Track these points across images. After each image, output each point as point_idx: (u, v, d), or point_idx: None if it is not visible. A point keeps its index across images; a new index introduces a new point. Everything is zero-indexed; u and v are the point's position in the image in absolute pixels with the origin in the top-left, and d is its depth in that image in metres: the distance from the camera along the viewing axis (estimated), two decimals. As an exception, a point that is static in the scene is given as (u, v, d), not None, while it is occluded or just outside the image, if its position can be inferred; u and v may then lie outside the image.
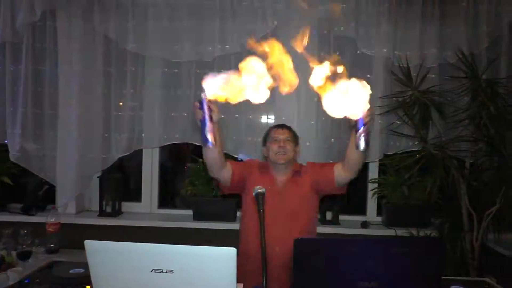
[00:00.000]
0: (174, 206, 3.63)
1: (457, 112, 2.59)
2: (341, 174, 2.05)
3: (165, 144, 3.04)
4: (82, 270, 1.70)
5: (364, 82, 1.56)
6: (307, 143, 2.86)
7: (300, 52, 1.60)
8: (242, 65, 1.57)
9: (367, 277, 1.27)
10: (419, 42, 2.80)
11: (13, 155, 2.90)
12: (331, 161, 2.93)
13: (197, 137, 2.97)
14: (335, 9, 2.76)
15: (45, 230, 2.55)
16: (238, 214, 2.98)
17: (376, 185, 3.01)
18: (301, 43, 1.61)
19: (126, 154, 3.01)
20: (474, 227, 2.55)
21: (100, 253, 1.12)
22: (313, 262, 1.26)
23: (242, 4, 2.83)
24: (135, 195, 3.22)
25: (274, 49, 1.60)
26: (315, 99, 2.86)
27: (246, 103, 2.92)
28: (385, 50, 2.81)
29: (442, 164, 2.51)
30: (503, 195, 2.41)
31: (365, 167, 3.09)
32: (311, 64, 1.58)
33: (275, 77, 1.58)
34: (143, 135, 2.97)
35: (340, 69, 1.57)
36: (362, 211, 3.13)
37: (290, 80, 1.60)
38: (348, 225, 2.93)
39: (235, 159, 3.01)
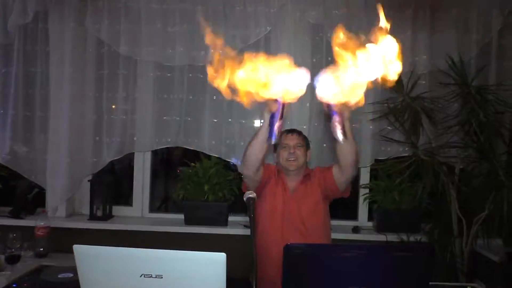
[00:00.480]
0: (166, 210, 3.62)
1: (447, 119, 2.62)
2: (339, 175, 2.03)
3: (157, 148, 3.03)
4: (71, 275, 1.69)
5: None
6: (299, 148, 2.87)
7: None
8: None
9: (357, 282, 1.27)
10: (410, 48, 2.82)
11: (3, 157, 2.88)
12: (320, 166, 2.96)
13: (189, 140, 2.98)
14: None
15: (34, 234, 2.52)
16: (230, 218, 2.98)
17: (367, 190, 3.03)
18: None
19: (117, 158, 2.99)
20: (463, 233, 2.57)
21: (89, 257, 1.12)
22: (303, 268, 1.26)
23: (235, 9, 2.84)
24: (126, 199, 3.21)
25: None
26: (307, 104, 2.88)
27: (239, 107, 2.97)
28: (376, 56, 2.82)
29: (432, 169, 2.53)
30: (492, 201, 2.43)
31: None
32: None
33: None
34: (135, 138, 2.96)
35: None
36: (353, 216, 3.14)
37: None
38: (340, 230, 2.93)
39: (228, 163, 3.01)
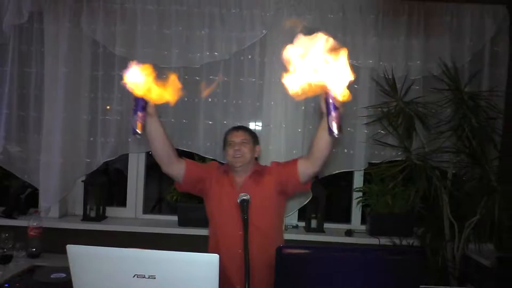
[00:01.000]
0: (160, 212, 3.62)
1: (440, 124, 2.65)
2: (306, 167, 2.01)
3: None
4: (63, 275, 1.69)
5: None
6: (294, 151, 2.88)
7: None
8: None
9: (348, 285, 1.28)
10: (404, 54, 2.85)
11: (-4, 157, 2.86)
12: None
13: (184, 142, 2.98)
14: None
15: (27, 234, 2.52)
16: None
17: (360, 193, 3.04)
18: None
19: (111, 159, 2.99)
20: (455, 237, 2.59)
21: (82, 257, 1.12)
22: (295, 270, 1.27)
23: (231, 12, 2.85)
24: (121, 200, 3.20)
25: None
26: (302, 107, 2.90)
27: (234, 109, 2.98)
28: (370, 61, 2.86)
29: (425, 174, 2.55)
30: (484, 205, 2.46)
31: (350, 176, 3.14)
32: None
33: None
34: (129, 139, 2.96)
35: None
36: (346, 219, 3.15)
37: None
38: (333, 233, 2.95)
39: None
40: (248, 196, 1.59)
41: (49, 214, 2.94)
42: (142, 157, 3.13)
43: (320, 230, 2.94)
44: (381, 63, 2.85)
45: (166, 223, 2.99)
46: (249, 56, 2.92)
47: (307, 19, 2.85)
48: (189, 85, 2.94)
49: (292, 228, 2.98)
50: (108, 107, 2.96)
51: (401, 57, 2.86)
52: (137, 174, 3.13)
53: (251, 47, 2.90)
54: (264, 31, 2.86)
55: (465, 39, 2.85)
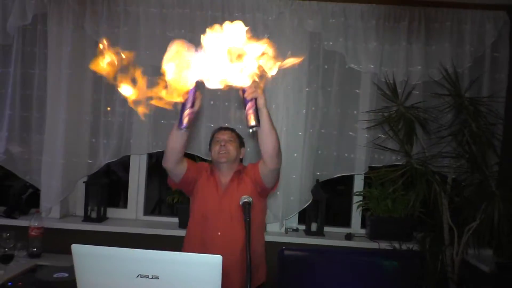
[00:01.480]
0: (160, 213, 3.63)
1: (441, 129, 2.66)
2: (263, 168, 2.06)
3: (153, 151, 3.04)
4: (65, 274, 1.70)
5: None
6: (295, 155, 2.90)
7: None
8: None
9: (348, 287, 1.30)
10: (405, 59, 2.87)
11: (-1, 157, 2.88)
12: (315, 172, 2.99)
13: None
14: None
15: (28, 234, 2.53)
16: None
17: (361, 197, 3.05)
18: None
19: (113, 160, 3.00)
20: (454, 242, 2.60)
21: (87, 257, 1.13)
22: (296, 272, 1.28)
23: (233, 16, 2.87)
24: (123, 201, 3.21)
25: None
26: (304, 110, 2.92)
27: (236, 112, 2.99)
28: (372, 66, 2.87)
29: (425, 179, 2.55)
30: (483, 211, 2.46)
31: (350, 180, 3.15)
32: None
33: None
34: (131, 141, 2.98)
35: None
36: (347, 223, 3.16)
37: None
38: (333, 237, 2.94)
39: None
40: (250, 199, 1.61)
41: (50, 214, 2.95)
42: (144, 158, 3.14)
43: (320, 233, 2.95)
44: (382, 68, 2.87)
45: (166, 225, 3.01)
46: (251, 59, 2.93)
47: (309, 23, 2.87)
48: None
49: (292, 232, 2.98)
50: (108, 108, 2.98)
51: (402, 62, 2.88)
52: (138, 176, 3.14)
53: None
54: (266, 35, 2.88)
55: (465, 45, 2.87)
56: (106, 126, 2.97)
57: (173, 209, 3.06)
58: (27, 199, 3.03)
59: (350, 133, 2.97)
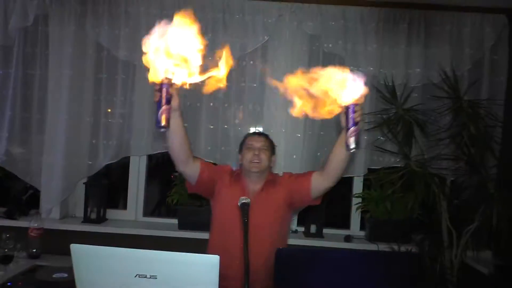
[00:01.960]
0: (159, 215, 3.63)
1: (439, 131, 2.67)
2: (319, 182, 1.97)
3: (153, 152, 3.05)
4: (65, 275, 1.71)
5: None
6: (294, 156, 2.90)
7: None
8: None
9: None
10: (404, 61, 2.88)
11: (-1, 158, 2.89)
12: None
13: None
14: None
15: (28, 235, 2.53)
16: (223, 224, 3.00)
17: (360, 199, 3.06)
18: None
19: (113, 161, 3.01)
20: (453, 244, 2.60)
21: (85, 257, 1.14)
22: (293, 272, 1.28)
23: (233, 18, 2.89)
24: (122, 202, 3.22)
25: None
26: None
27: (235, 114, 2.99)
28: (371, 68, 2.89)
29: (424, 181, 2.56)
30: (482, 213, 2.47)
31: (349, 182, 3.15)
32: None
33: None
34: (131, 142, 2.98)
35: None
36: (346, 225, 3.17)
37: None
38: (332, 239, 2.95)
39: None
40: (249, 200, 1.60)
41: (50, 215, 2.95)
42: (143, 160, 3.15)
43: (319, 235, 2.95)
44: (381, 70, 2.88)
45: (166, 226, 3.01)
46: (251, 62, 2.95)
47: (309, 26, 2.89)
48: (191, 90, 2.96)
49: (292, 233, 2.98)
50: (108, 110, 2.99)
51: (401, 64, 2.89)
52: (138, 177, 3.15)
53: (253, 52, 2.93)
54: (266, 37, 2.90)
55: (465, 48, 2.88)
56: (106, 127, 2.98)
57: (172, 210, 3.06)
58: (27, 200, 3.04)
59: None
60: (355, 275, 1.33)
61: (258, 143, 2.08)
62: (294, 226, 3.05)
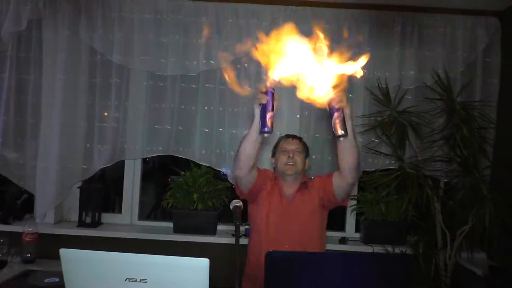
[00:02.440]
0: (156, 218, 3.63)
1: (433, 133, 2.68)
2: (339, 181, 1.98)
3: (148, 156, 3.05)
4: (57, 279, 1.71)
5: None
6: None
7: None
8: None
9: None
10: (397, 64, 2.90)
11: (-7, 163, 2.88)
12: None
13: (180, 149, 3.01)
14: None
15: (22, 240, 2.52)
16: (219, 227, 3.00)
17: (355, 201, 3.06)
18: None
19: (107, 165, 3.01)
20: (447, 245, 2.61)
21: (75, 261, 1.14)
22: (284, 275, 1.29)
23: (227, 21, 2.90)
24: (117, 207, 3.21)
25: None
26: (297, 115, 2.93)
27: (230, 117, 3.00)
28: (365, 70, 2.89)
29: (417, 182, 2.57)
30: (475, 214, 2.48)
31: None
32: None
33: None
34: (125, 146, 2.99)
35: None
36: (341, 227, 3.17)
37: None
38: (327, 241, 2.92)
39: (218, 172, 3.04)
40: (241, 203, 1.61)
41: (44, 220, 2.94)
42: (138, 163, 3.15)
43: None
44: (375, 72, 2.89)
45: (161, 230, 3.00)
46: (245, 65, 2.96)
47: (302, 28, 2.89)
48: (185, 93, 2.98)
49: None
50: (105, 114, 2.99)
51: (395, 67, 2.90)
52: (133, 181, 3.14)
53: (247, 55, 2.93)
54: (260, 40, 2.90)
55: (458, 50, 2.90)
56: (101, 131, 2.97)
57: (168, 214, 3.06)
58: (22, 204, 3.03)
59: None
60: (348, 277, 1.33)
61: (292, 146, 2.10)
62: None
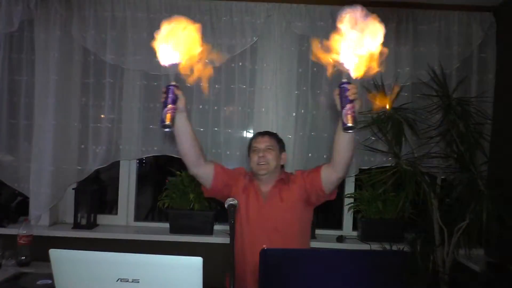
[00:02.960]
0: (153, 219, 3.61)
1: (429, 129, 2.66)
2: (329, 174, 1.95)
3: (143, 156, 3.03)
4: (49, 281, 1.69)
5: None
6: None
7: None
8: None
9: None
10: (393, 60, 2.88)
11: (-14, 165, 2.86)
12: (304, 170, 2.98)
13: (175, 149, 2.98)
14: None
15: (17, 243, 2.50)
16: (216, 227, 2.98)
17: (352, 199, 3.05)
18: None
19: (102, 166, 2.99)
20: (445, 242, 2.60)
21: (65, 262, 1.11)
22: (280, 273, 1.27)
23: (221, 20, 2.88)
24: (113, 208, 3.19)
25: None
26: (293, 113, 2.92)
27: (225, 116, 2.98)
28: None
29: (414, 179, 2.56)
30: (472, 210, 2.47)
31: (341, 182, 3.14)
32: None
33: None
34: (120, 147, 2.96)
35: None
36: (338, 225, 3.16)
37: None
38: (324, 239, 2.94)
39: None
40: (236, 201, 1.59)
41: (39, 222, 2.91)
42: (134, 164, 3.12)
43: (312, 236, 2.93)
44: (370, 69, 2.88)
45: (157, 230, 2.99)
46: (240, 63, 2.94)
47: (297, 26, 2.88)
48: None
49: (284, 235, 2.97)
50: (102, 116, 2.96)
51: (390, 63, 2.89)
52: (128, 182, 3.12)
53: (242, 54, 2.92)
54: (254, 38, 2.89)
55: (453, 46, 2.89)
56: (95, 132, 2.95)
57: (164, 214, 3.04)
58: (16, 207, 3.01)
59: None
60: (346, 274, 1.32)
61: (262, 144, 2.07)
62: (286, 227, 3.03)
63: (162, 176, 3.47)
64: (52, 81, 2.83)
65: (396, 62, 2.90)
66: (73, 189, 2.98)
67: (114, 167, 3.15)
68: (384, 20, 2.83)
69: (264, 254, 1.24)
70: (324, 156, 2.98)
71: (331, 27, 2.81)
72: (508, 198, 2.40)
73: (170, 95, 1.71)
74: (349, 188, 3.11)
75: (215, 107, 2.95)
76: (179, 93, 1.75)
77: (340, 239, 2.95)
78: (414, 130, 2.70)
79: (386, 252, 2.47)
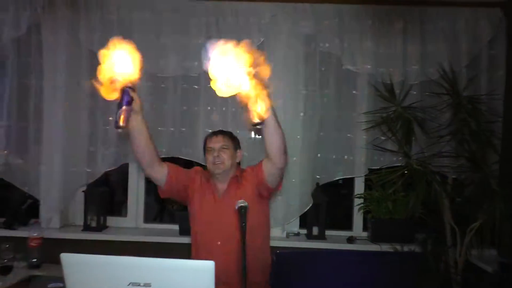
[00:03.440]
0: (161, 221, 3.61)
1: (439, 128, 2.63)
2: (269, 167, 1.98)
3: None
4: (60, 284, 1.69)
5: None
6: (294, 158, 2.85)
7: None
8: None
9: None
10: (401, 59, 2.85)
11: (-3, 168, 2.87)
12: (315, 176, 2.97)
13: (184, 151, 2.99)
14: None
15: (27, 245, 2.51)
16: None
17: (362, 200, 3.03)
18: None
19: (112, 169, 3.00)
20: (457, 243, 2.56)
21: (76, 266, 1.11)
22: (292, 275, 1.26)
23: (227, 21, 2.87)
24: (123, 210, 3.20)
25: None
26: (301, 114, 2.90)
27: (233, 118, 2.97)
28: (368, 66, 2.86)
29: (425, 179, 2.53)
30: (485, 210, 2.43)
31: (351, 182, 3.12)
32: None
33: None
34: (129, 149, 2.96)
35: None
36: (348, 226, 3.14)
37: None
38: (335, 240, 2.91)
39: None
40: (246, 203, 1.58)
41: (49, 224, 2.93)
42: (142, 166, 3.12)
43: (321, 237, 2.91)
44: (378, 68, 2.86)
45: (167, 232, 2.99)
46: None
47: (303, 26, 2.87)
48: (187, 94, 2.96)
49: (294, 236, 2.95)
50: (110, 118, 2.96)
51: (399, 62, 2.86)
52: (137, 184, 3.12)
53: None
54: (261, 38, 2.88)
55: (462, 43, 2.85)
56: (104, 134, 2.96)
57: (173, 216, 3.04)
58: (27, 209, 3.02)
59: (349, 135, 2.95)
60: (358, 276, 1.31)
61: (216, 144, 2.11)
62: (296, 228, 3.02)
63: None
64: (61, 84, 2.85)
65: (405, 60, 2.87)
66: (82, 191, 2.99)
67: (123, 169, 3.15)
68: (391, 20, 2.85)
69: (277, 256, 1.23)
70: (333, 156, 2.97)
71: (337, 26, 2.84)
72: (521, 197, 2.37)
73: (125, 97, 1.75)
74: (359, 188, 3.08)
75: (223, 108, 2.95)
76: (134, 95, 1.78)
77: (350, 240, 2.92)
78: (424, 129, 2.67)
79: (398, 253, 2.45)
